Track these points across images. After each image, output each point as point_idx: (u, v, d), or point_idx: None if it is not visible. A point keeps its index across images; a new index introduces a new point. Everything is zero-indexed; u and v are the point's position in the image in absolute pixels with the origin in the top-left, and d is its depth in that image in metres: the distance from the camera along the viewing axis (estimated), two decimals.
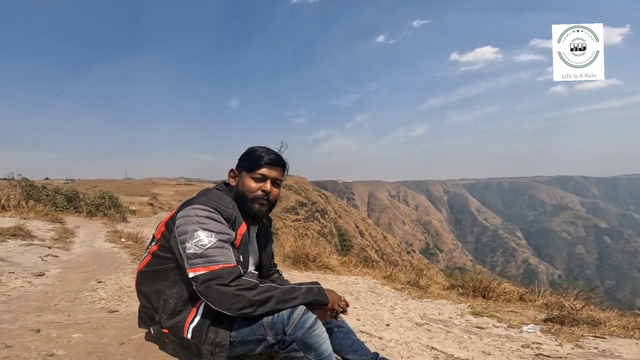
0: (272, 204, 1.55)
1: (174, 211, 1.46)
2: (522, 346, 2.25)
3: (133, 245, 5.04)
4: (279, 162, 1.52)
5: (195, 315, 1.38)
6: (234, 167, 1.58)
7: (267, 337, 1.29)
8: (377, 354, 1.62)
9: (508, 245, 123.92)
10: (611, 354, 2.14)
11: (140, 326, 1.57)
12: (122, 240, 5.46)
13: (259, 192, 1.48)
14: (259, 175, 1.48)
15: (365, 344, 1.67)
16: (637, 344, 2.31)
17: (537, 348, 2.22)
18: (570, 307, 2.85)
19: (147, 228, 6.75)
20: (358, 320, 2.68)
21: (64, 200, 9.73)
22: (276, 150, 1.57)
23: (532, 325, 2.68)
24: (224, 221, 1.37)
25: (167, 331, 1.43)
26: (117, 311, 2.22)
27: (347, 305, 1.49)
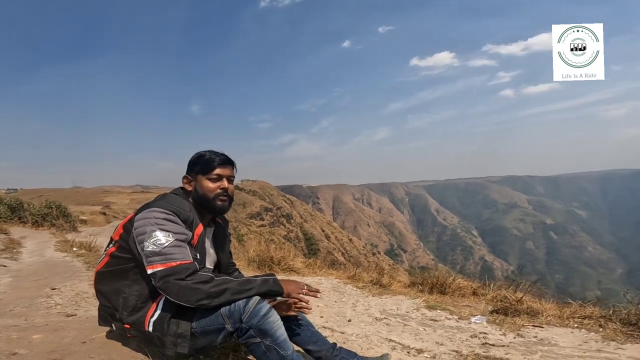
0: (231, 199, 1.66)
1: (132, 214, 1.52)
2: (471, 336, 2.44)
3: (87, 254, 4.83)
4: (229, 161, 1.64)
5: (156, 310, 1.44)
6: (185, 174, 1.65)
7: (226, 326, 1.38)
8: (335, 344, 1.73)
9: (466, 243, 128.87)
10: (549, 342, 2.34)
11: (100, 324, 1.59)
12: (74, 249, 5.21)
13: (219, 190, 1.59)
14: (214, 176, 1.58)
15: (327, 338, 1.77)
16: (572, 332, 2.52)
17: (483, 338, 2.40)
18: (512, 298, 3.07)
19: (101, 237, 6.47)
20: (321, 317, 2.79)
21: (8, 211, 9.11)
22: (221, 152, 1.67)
23: (479, 316, 2.88)
24: (181, 222, 1.45)
25: (129, 326, 1.48)
26: (76, 315, 2.19)
27: (317, 290, 1.60)
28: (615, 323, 2.56)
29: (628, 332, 2.42)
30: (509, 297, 3.11)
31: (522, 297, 3.07)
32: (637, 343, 2.26)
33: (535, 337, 2.45)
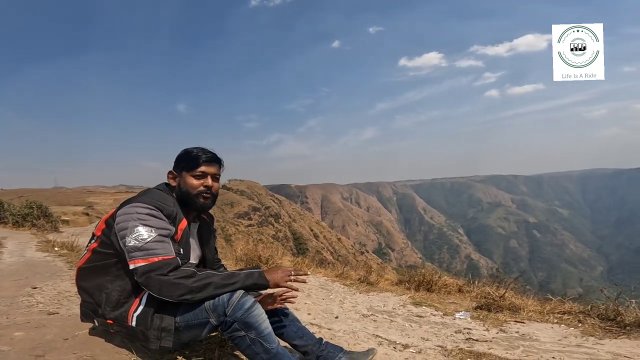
0: (215, 197, 1.66)
1: (114, 210, 1.51)
2: (455, 332, 2.51)
3: (69, 253, 4.74)
4: (215, 159, 1.63)
5: (139, 305, 1.43)
6: (170, 169, 1.65)
7: (210, 320, 1.38)
8: (321, 339, 1.74)
9: (452, 242, 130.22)
10: (530, 337, 2.42)
11: (82, 320, 1.58)
12: (56, 249, 5.11)
13: (202, 188, 1.58)
14: (199, 173, 1.58)
15: (315, 334, 1.79)
16: (552, 328, 2.61)
17: (467, 333, 2.48)
18: (495, 295, 3.15)
19: (84, 237, 6.35)
20: (309, 314, 2.82)
21: None
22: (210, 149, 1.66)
23: (463, 312, 2.96)
24: (164, 218, 1.44)
25: (111, 322, 1.47)
26: (58, 313, 2.17)
27: (305, 274, 1.56)
28: (594, 318, 2.65)
29: (606, 328, 2.51)
30: (492, 293, 3.19)
31: (504, 294, 3.14)
32: (615, 338, 2.34)
33: (517, 332, 2.52)
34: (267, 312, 1.48)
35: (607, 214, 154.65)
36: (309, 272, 1.60)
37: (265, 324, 1.40)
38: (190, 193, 1.57)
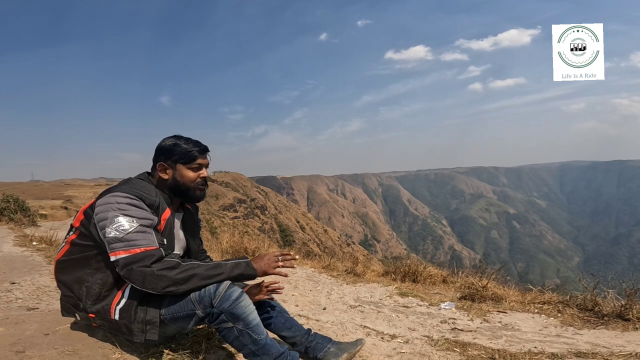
0: (207, 187, 1.65)
1: (93, 200, 1.45)
2: (441, 322, 2.55)
3: (47, 248, 4.60)
4: (207, 149, 1.62)
5: (122, 298, 1.40)
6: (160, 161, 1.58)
7: (197, 312, 1.35)
8: (310, 330, 1.74)
9: (436, 233, 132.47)
10: (512, 327, 2.47)
11: (63, 315, 1.53)
12: (34, 243, 4.94)
13: (199, 180, 1.57)
14: (196, 165, 1.56)
15: (303, 325, 1.79)
16: (533, 318, 2.67)
17: (452, 323, 2.53)
18: (478, 285, 3.21)
19: (62, 231, 6.18)
20: (297, 306, 2.82)
21: None
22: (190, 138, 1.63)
23: (448, 302, 3.01)
24: (146, 207, 1.39)
25: (93, 316, 1.42)
26: (37, 309, 2.11)
27: (294, 257, 1.52)
28: (573, 309, 2.72)
29: (585, 318, 2.58)
30: (475, 284, 3.25)
31: (487, 284, 3.21)
32: (594, 328, 2.41)
33: (500, 322, 2.57)
34: (254, 304, 1.46)
35: (583, 205, 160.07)
36: (296, 256, 1.57)
37: (253, 315, 1.38)
38: (188, 186, 1.55)
